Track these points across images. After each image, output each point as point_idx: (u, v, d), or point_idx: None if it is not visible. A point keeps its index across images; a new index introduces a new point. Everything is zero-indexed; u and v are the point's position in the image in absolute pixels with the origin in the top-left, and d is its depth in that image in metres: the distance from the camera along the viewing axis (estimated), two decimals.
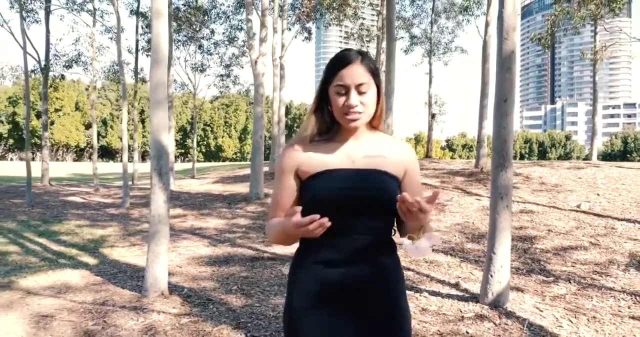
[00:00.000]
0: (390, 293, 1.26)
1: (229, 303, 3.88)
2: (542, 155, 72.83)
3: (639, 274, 4.78)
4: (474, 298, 4.04)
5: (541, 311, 3.79)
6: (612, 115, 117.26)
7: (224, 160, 64.04)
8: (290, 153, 1.29)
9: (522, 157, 71.87)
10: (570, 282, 4.56)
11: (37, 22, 14.02)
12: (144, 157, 60.23)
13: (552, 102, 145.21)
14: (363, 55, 1.23)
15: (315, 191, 1.22)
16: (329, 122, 1.29)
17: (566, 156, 70.31)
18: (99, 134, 63.10)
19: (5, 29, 15.08)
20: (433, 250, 5.71)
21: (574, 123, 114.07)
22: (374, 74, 1.24)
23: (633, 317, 3.68)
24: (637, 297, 4.12)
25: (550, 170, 9.98)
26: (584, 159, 13.51)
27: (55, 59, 14.37)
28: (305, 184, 1.26)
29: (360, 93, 1.20)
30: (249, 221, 7.98)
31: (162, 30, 3.78)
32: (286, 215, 1.15)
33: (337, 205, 1.19)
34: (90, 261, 5.49)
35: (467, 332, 3.31)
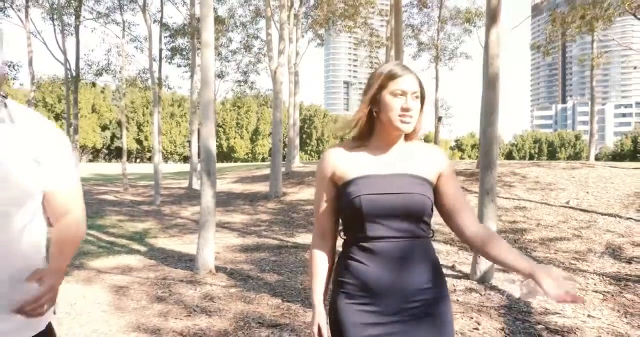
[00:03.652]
0: (429, 293, 1.29)
1: (264, 279, 4.79)
2: (552, 155, 72.85)
3: (611, 260, 5.57)
4: (465, 276, 4.90)
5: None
6: (624, 115, 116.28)
7: (235, 161, 65.17)
8: (326, 160, 1.37)
9: (531, 157, 71.96)
10: (551, 266, 5.37)
11: (72, 34, 15.17)
12: (152, 158, 61.42)
13: (563, 101, 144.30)
14: (413, 71, 1.33)
15: (349, 197, 1.29)
16: (368, 129, 1.36)
17: (576, 156, 70.26)
18: (113, 135, 64.63)
19: (39, 39, 16.25)
20: (436, 240, 6.55)
21: (584, 122, 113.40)
22: (422, 89, 1.33)
23: (596, 291, 4.50)
24: (604, 277, 4.92)
25: (546, 170, 10.74)
26: (595, 159, 14.26)
27: (87, 67, 15.51)
28: (341, 190, 1.33)
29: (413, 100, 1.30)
30: (271, 216, 8.90)
31: (210, 58, 4.69)
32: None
33: (371, 210, 1.26)
34: (141, 248, 6.45)
35: (458, 300, 4.16)
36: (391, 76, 1.29)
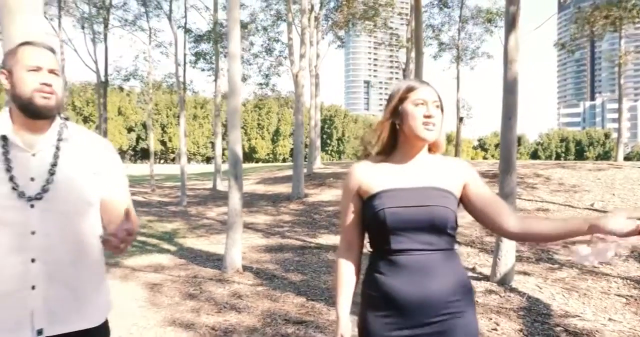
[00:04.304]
0: (455, 306, 1.29)
1: (289, 278, 4.99)
2: (580, 154, 71.03)
3: (636, 263, 5.55)
4: (486, 278, 4.98)
5: (540, 289, 4.68)
6: None
7: (257, 162, 65.95)
8: (352, 175, 1.41)
9: (558, 157, 70.37)
10: (572, 269, 5.38)
11: (101, 41, 15.82)
12: (176, 159, 62.64)
13: (592, 98, 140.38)
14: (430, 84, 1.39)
15: (374, 210, 1.32)
16: (391, 142, 1.40)
17: (605, 155, 68.29)
18: (138, 137, 66.22)
19: (70, 47, 16.92)
20: (456, 241, 6.63)
21: (615, 120, 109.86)
22: (440, 101, 1.38)
23: (618, 295, 4.52)
24: (628, 281, 4.92)
25: (571, 171, 10.61)
26: (625, 158, 13.98)
27: (116, 73, 16.15)
28: (366, 204, 1.36)
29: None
30: (294, 217, 9.12)
31: (237, 69, 4.91)
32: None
33: (395, 223, 1.28)
34: (170, 248, 6.74)
35: (477, 302, 4.27)
36: (410, 88, 1.35)
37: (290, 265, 5.61)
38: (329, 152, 71.58)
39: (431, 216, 1.28)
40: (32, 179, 1.30)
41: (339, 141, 72.84)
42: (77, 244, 1.39)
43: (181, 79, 14.39)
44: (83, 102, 57.59)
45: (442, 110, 1.37)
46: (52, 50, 1.41)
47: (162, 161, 67.79)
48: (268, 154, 70.69)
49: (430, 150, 1.42)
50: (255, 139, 69.96)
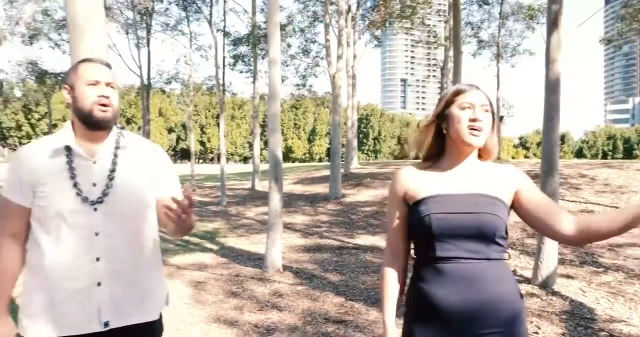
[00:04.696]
0: (504, 318, 1.23)
1: (328, 278, 5.10)
2: (629, 152, 67.39)
3: None
4: (527, 281, 4.91)
5: (584, 292, 4.58)
6: None
7: (293, 161, 66.57)
8: (398, 179, 1.38)
9: (604, 156, 67.08)
10: (618, 272, 5.21)
11: (144, 46, 16.55)
12: (214, 159, 64.06)
13: None
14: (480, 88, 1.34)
15: (419, 215, 1.29)
16: (438, 146, 1.37)
17: None
18: (178, 137, 68.31)
19: (114, 51, 17.74)
20: None
21: None
22: (491, 105, 1.33)
23: None
24: None
25: (618, 171, 10.16)
26: None
27: (158, 77, 16.85)
28: (412, 209, 1.33)
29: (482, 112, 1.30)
30: (331, 218, 9.23)
31: (277, 74, 5.06)
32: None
33: (441, 229, 1.24)
34: (212, 247, 7.01)
35: None
36: (458, 92, 1.31)
37: (329, 265, 5.73)
38: (365, 151, 71.32)
39: (479, 223, 1.23)
40: (94, 185, 1.45)
41: (375, 140, 72.45)
42: (137, 244, 1.54)
43: (220, 81, 14.83)
44: (126, 104, 60.03)
45: (492, 114, 1.32)
46: (109, 66, 1.56)
47: (200, 161, 69.68)
48: (304, 154, 71.23)
49: (480, 156, 1.38)
50: (292, 138, 70.65)
